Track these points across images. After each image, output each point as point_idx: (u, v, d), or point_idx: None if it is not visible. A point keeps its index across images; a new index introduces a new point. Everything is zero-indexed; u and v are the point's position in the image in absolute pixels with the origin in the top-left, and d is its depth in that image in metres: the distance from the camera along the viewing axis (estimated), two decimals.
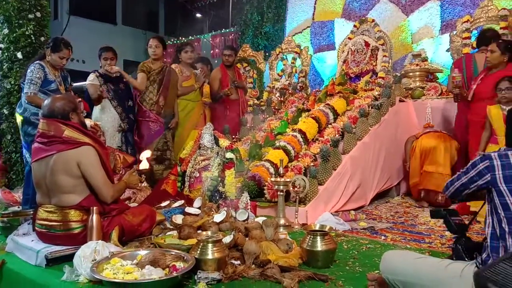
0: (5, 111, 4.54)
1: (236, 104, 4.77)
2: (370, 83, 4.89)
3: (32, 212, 2.46)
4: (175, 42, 10.71)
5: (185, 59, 4.44)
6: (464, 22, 4.80)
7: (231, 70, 4.83)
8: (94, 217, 2.12)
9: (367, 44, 5.30)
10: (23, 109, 3.23)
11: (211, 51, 10.55)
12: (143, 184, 2.57)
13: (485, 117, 3.30)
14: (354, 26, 5.70)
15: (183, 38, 11.18)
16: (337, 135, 3.74)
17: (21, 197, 3.52)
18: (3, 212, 2.91)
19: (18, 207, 3.31)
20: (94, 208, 2.13)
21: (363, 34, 5.50)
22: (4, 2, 4.41)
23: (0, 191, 3.58)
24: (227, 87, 4.66)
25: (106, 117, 3.98)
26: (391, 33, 6.15)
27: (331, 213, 3.16)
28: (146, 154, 2.57)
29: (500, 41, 3.61)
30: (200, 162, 3.33)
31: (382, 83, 4.64)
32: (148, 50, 4.14)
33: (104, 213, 2.22)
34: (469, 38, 4.71)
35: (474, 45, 4.42)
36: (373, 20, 5.52)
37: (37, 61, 3.23)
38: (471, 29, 4.76)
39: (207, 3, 12.80)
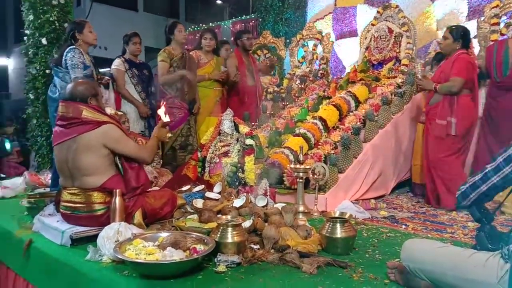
0: (31, 96, 4.65)
1: (253, 90, 4.73)
2: (393, 71, 4.79)
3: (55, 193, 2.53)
4: (195, 29, 10.70)
5: (204, 47, 4.44)
6: (493, 7, 4.62)
7: (246, 56, 4.77)
8: (117, 199, 2.15)
9: (390, 31, 5.18)
10: (59, 93, 3.27)
11: (231, 38, 10.50)
12: (169, 135, 2.63)
13: None
14: (378, 12, 5.56)
15: (203, 25, 11.16)
16: (358, 123, 3.70)
17: (47, 179, 3.63)
18: (29, 193, 3.00)
19: (44, 189, 3.41)
20: (117, 190, 2.17)
21: (386, 20, 5.37)
22: None
23: (27, 173, 3.68)
24: (244, 73, 4.61)
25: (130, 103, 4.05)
26: (416, 19, 5.99)
27: (351, 201, 3.14)
28: (161, 110, 2.62)
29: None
30: (220, 148, 3.35)
31: (406, 70, 4.54)
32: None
33: (128, 192, 2.26)
34: (497, 24, 4.54)
35: (503, 32, 4.27)
36: (397, 6, 5.38)
37: (72, 46, 3.25)
38: (500, 15, 4.58)
39: None
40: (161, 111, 2.54)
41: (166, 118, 2.54)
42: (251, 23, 9.91)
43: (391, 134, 3.79)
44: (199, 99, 4.22)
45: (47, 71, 4.44)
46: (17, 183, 3.50)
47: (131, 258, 1.69)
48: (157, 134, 2.52)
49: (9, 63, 16.91)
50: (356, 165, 3.42)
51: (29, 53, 4.57)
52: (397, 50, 5.13)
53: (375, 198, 3.46)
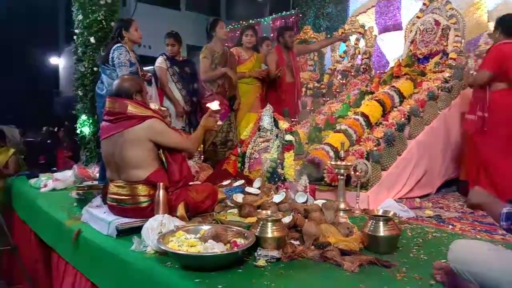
0: (80, 93, 4.86)
1: (291, 86, 4.69)
2: (440, 65, 4.61)
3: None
4: (236, 26, 10.76)
5: (245, 43, 4.45)
6: None
7: (286, 53, 4.74)
8: (161, 192, 2.21)
9: (437, 23, 4.98)
10: (106, 90, 3.40)
11: (271, 34, 10.48)
12: (219, 122, 2.67)
13: None
14: (424, 4, 5.36)
15: (244, 22, 11.21)
16: (402, 119, 3.58)
17: (95, 173, 3.78)
18: (78, 185, 3.14)
19: (92, 182, 3.55)
20: (161, 183, 2.22)
21: (433, 13, 5.17)
22: None
23: (76, 167, 3.84)
24: (283, 70, 4.58)
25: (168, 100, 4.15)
26: (465, 11, 5.69)
27: (395, 200, 3.05)
28: (215, 103, 2.66)
29: None
30: (260, 143, 3.35)
31: (454, 64, 4.35)
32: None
33: (171, 185, 2.31)
34: None
35: None
36: None
37: (119, 44, 3.36)
38: None
39: None
40: (214, 103, 2.59)
41: (215, 105, 2.58)
42: (291, 19, 9.84)
43: (438, 130, 3.65)
44: (239, 96, 4.25)
45: (95, 69, 4.62)
46: (67, 176, 3.67)
47: (173, 250, 1.73)
48: (204, 123, 2.57)
49: (60, 62, 17.78)
50: (400, 163, 3.31)
51: (78, 51, 4.77)
52: (445, 44, 4.92)
53: (420, 197, 3.33)
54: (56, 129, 7.85)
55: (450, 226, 2.54)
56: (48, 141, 4.83)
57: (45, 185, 3.48)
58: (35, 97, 16.57)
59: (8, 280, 3.61)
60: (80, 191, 2.89)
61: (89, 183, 3.40)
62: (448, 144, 3.74)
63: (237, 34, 4.80)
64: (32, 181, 3.66)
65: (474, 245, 1.52)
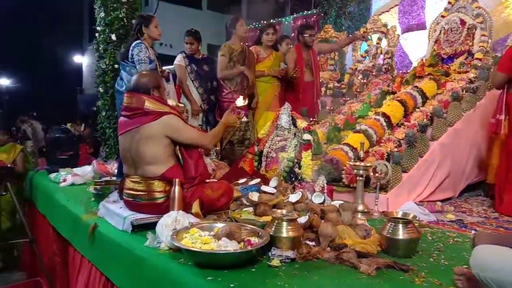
0: (101, 89, 4.93)
1: (310, 86, 4.64)
2: (465, 65, 4.47)
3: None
4: (256, 25, 10.74)
5: (266, 41, 4.43)
6: None
7: (306, 52, 4.68)
8: (176, 189, 2.20)
9: (462, 22, 4.84)
10: (125, 86, 3.43)
11: (292, 34, 10.42)
12: (244, 119, 2.65)
13: None
14: (449, 2, 5.21)
15: (264, 22, 11.18)
16: (425, 120, 3.48)
17: (114, 169, 3.82)
18: (96, 180, 3.17)
19: (110, 178, 3.59)
20: (176, 180, 2.21)
21: (458, 12, 5.02)
22: None
23: (95, 162, 3.88)
24: (302, 69, 4.54)
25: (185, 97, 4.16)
26: (492, 9, 5.51)
27: (415, 203, 2.97)
28: (240, 99, 2.64)
29: None
30: (277, 142, 3.31)
31: (479, 64, 4.21)
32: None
33: (187, 181, 2.30)
34: None
35: None
36: None
37: (138, 41, 3.38)
38: None
39: None
40: (240, 99, 2.58)
41: (241, 101, 2.56)
42: (312, 18, 9.76)
43: (462, 132, 3.53)
44: (257, 94, 4.23)
45: (116, 66, 4.68)
46: (86, 171, 3.71)
47: (187, 246, 1.71)
48: (225, 119, 2.56)
49: (84, 60, 18.16)
50: (422, 165, 3.22)
51: (100, 48, 4.85)
52: (470, 43, 4.78)
53: (441, 201, 3.23)
54: (79, 126, 8.01)
55: (473, 231, 2.45)
56: (69, 137, 4.90)
57: (65, 180, 3.53)
58: (59, 94, 16.98)
59: (28, 272, 3.68)
60: (98, 186, 2.91)
61: (107, 178, 3.43)
62: (473, 146, 3.62)
63: (257, 34, 4.78)
64: (52, 175, 3.72)
65: (498, 251, 1.45)
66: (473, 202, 3.39)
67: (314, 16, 9.62)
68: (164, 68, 3.89)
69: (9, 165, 3.82)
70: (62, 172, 3.73)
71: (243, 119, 2.70)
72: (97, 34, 4.89)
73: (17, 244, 3.71)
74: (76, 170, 3.73)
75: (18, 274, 3.76)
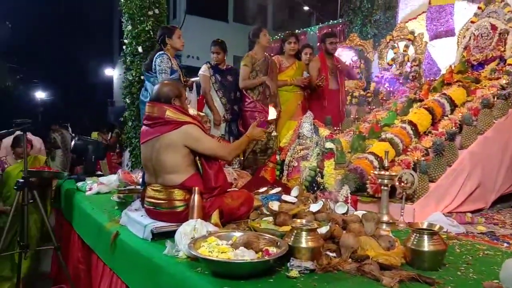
0: (127, 100, 5.04)
1: (335, 94, 4.58)
2: (497, 71, 4.31)
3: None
4: (281, 36, 10.77)
5: (288, 51, 4.43)
6: None
7: (330, 60, 4.65)
8: (196, 197, 2.20)
9: (493, 28, 4.70)
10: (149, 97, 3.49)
11: (318, 44, 10.38)
12: (274, 133, 2.64)
13: None
14: (479, 8, 5.07)
15: (296, 33, 11.20)
16: (453, 128, 3.36)
17: (138, 178, 3.86)
18: (119, 189, 3.22)
19: (135, 187, 3.63)
20: (196, 188, 2.21)
21: (489, 17, 4.88)
22: (128, 1, 4.88)
23: (121, 171, 3.95)
24: (326, 76, 4.50)
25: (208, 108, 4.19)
26: None
27: (443, 214, 2.85)
28: (272, 110, 2.62)
29: None
30: (299, 151, 3.27)
31: None
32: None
33: (206, 192, 2.30)
34: None
35: None
36: (502, 0, 4.85)
37: (161, 52, 3.45)
38: None
39: None
40: (272, 111, 2.57)
41: (272, 114, 2.55)
42: (338, 28, 9.71)
43: (493, 140, 3.38)
44: (279, 104, 4.21)
45: (142, 77, 4.77)
46: (111, 180, 3.77)
47: (203, 255, 1.70)
48: (249, 133, 2.55)
49: (114, 73, 18.72)
50: (450, 174, 3.10)
51: (127, 60, 4.97)
52: (502, 49, 4.62)
53: (471, 212, 3.09)
54: (106, 134, 8.23)
55: (505, 244, 2.32)
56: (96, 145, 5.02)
57: (90, 189, 3.60)
58: (91, 106, 17.54)
59: (54, 279, 3.76)
60: (121, 195, 2.96)
61: (131, 187, 3.47)
62: (505, 155, 3.46)
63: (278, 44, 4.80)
64: (79, 184, 3.81)
65: None
66: (506, 214, 3.23)
67: (340, 26, 9.57)
68: (191, 79, 3.95)
69: (54, 170, 3.97)
70: (88, 181, 3.81)
71: (272, 133, 2.67)
72: (124, 47, 5.03)
73: (47, 252, 3.79)
74: (101, 179, 3.80)
75: (44, 281, 3.84)
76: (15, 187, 2.91)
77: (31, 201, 2.90)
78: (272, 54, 4.70)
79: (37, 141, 5.39)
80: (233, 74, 4.40)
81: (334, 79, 4.66)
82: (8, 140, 4.27)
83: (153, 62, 3.39)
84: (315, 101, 4.58)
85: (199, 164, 2.38)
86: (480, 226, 2.77)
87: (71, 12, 17.66)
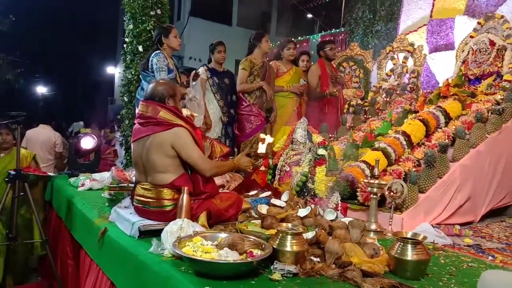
0: (125, 99, 5.05)
1: (334, 101, 4.62)
2: (493, 87, 4.34)
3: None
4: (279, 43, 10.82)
5: (287, 56, 4.46)
6: None
7: (329, 66, 4.69)
8: (185, 197, 2.20)
9: (492, 43, 4.73)
10: None
11: (317, 52, 10.43)
12: (262, 168, 2.64)
13: None
14: (478, 23, 5.11)
15: (293, 39, 11.26)
16: (446, 140, 3.38)
17: (131, 176, 3.87)
18: (110, 186, 3.22)
19: (127, 184, 3.63)
20: (185, 188, 2.22)
21: (488, 32, 4.91)
22: (131, 1, 4.91)
23: (114, 169, 3.95)
24: (326, 83, 4.53)
25: (209, 109, 4.19)
26: None
27: (432, 225, 2.86)
28: (268, 139, 2.62)
29: None
30: (292, 156, 3.28)
31: (508, 86, 4.07)
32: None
33: (194, 194, 2.31)
34: None
35: None
36: (502, 17, 4.89)
37: (158, 51, 3.47)
38: None
39: (319, 3, 12.69)
40: (267, 138, 2.57)
41: (262, 149, 2.55)
42: (340, 37, 9.77)
43: (485, 154, 3.40)
44: (276, 108, 4.24)
45: (140, 76, 4.79)
46: (104, 177, 3.78)
47: (187, 254, 1.70)
48: (237, 160, 2.54)
49: (116, 71, 18.77)
50: (441, 186, 3.11)
51: (127, 59, 4.99)
52: (499, 65, 4.65)
53: (460, 224, 3.10)
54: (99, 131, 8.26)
55: (490, 257, 2.33)
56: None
57: (83, 184, 3.61)
58: (92, 104, 17.56)
59: (42, 273, 3.76)
60: (112, 192, 2.96)
61: (124, 184, 3.48)
62: (497, 169, 3.48)
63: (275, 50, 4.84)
64: (72, 179, 3.82)
65: (507, 277, 1.38)
66: (494, 228, 3.24)
67: (342, 35, 9.62)
68: (197, 71, 3.96)
69: (49, 174, 3.88)
70: (81, 177, 3.82)
71: (261, 168, 2.66)
72: (125, 45, 5.05)
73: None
74: (94, 175, 3.81)
75: (33, 275, 3.84)
76: (6, 179, 2.90)
77: (21, 194, 2.90)
78: (268, 59, 4.74)
79: (57, 137, 5.41)
80: (230, 77, 4.42)
81: (333, 87, 4.70)
82: None
83: (150, 62, 3.41)
84: (315, 107, 4.61)
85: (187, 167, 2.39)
86: (467, 238, 2.78)
87: (76, 9, 17.74)
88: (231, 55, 4.48)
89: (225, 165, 2.54)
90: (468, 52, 4.96)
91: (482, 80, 4.62)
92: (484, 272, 1.41)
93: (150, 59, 3.41)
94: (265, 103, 4.12)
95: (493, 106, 3.76)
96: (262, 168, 2.99)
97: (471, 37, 5.07)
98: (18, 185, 2.89)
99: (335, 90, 4.45)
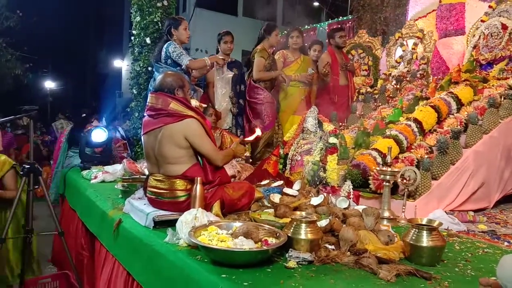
0: (134, 91, 5.06)
1: (345, 89, 4.58)
2: (506, 71, 4.27)
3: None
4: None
5: (291, 44, 4.43)
6: None
7: (340, 54, 4.64)
8: (198, 187, 2.21)
9: (504, 27, 4.64)
10: None
11: (327, 40, 10.33)
12: (246, 154, 2.71)
13: None
14: (489, 6, 5.01)
15: (300, 27, 11.16)
16: (459, 126, 3.34)
17: (143, 168, 3.89)
18: (123, 177, 3.25)
19: (139, 176, 3.66)
20: (198, 178, 2.23)
21: (500, 16, 4.81)
22: None
23: (126, 161, 3.98)
24: (337, 72, 4.50)
25: (218, 100, 4.19)
26: None
27: (445, 211, 2.85)
28: (258, 132, 2.67)
29: None
30: (303, 145, 3.28)
31: None
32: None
33: (207, 183, 2.32)
34: None
35: None
36: None
37: (169, 41, 3.46)
38: None
39: None
40: (258, 131, 2.63)
41: (251, 138, 2.61)
42: (347, 24, 9.65)
43: (498, 140, 3.36)
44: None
45: (149, 68, 4.79)
46: (117, 169, 3.81)
47: (203, 243, 1.72)
48: (234, 148, 2.58)
49: (123, 65, 18.79)
50: (454, 173, 3.09)
51: (135, 51, 5.00)
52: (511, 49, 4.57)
53: (474, 211, 3.08)
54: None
55: (506, 243, 2.32)
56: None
57: (95, 177, 3.64)
58: (99, 97, 17.65)
59: (58, 265, 3.81)
60: (125, 183, 2.99)
61: (136, 176, 3.50)
62: (510, 155, 3.44)
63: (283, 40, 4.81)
64: (84, 172, 3.85)
65: None
66: (509, 214, 3.21)
67: (349, 22, 9.51)
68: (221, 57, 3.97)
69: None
70: (94, 170, 3.85)
71: (247, 154, 2.77)
72: (132, 38, 5.05)
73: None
74: (107, 168, 3.84)
75: (48, 267, 3.89)
76: (21, 172, 2.93)
77: (36, 187, 2.93)
78: (274, 49, 4.70)
79: None
80: (238, 67, 4.40)
81: (344, 75, 4.66)
82: None
83: (163, 52, 3.40)
84: (325, 96, 4.58)
85: (199, 157, 2.39)
86: (481, 224, 2.76)
87: (82, 2, 17.76)
88: (237, 45, 4.46)
89: (229, 153, 2.56)
90: (479, 36, 4.88)
91: (494, 65, 4.54)
92: (504, 256, 1.39)
93: (163, 50, 3.40)
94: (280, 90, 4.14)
95: (505, 91, 3.71)
96: (247, 154, 3.05)
97: (482, 21, 4.98)
98: (32, 179, 2.92)
99: (325, 70, 4.39)
